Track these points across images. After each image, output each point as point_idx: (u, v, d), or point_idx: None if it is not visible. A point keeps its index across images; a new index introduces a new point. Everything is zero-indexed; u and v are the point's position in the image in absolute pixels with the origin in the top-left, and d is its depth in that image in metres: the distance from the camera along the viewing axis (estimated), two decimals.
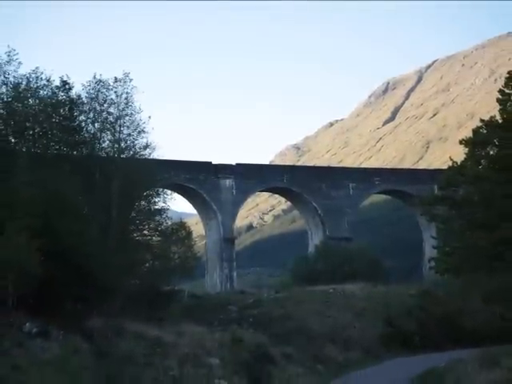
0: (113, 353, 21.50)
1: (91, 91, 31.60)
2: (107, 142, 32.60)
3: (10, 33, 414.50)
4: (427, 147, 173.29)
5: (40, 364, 17.85)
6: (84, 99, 31.41)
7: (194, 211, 68.52)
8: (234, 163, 61.79)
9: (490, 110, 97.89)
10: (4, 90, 27.38)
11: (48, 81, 28.76)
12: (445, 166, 45.25)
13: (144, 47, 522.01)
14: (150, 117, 33.25)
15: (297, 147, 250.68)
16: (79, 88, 31.44)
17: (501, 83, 41.01)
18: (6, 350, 18.23)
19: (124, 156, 32.49)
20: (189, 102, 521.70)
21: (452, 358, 28.08)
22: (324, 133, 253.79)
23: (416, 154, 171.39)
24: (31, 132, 28.26)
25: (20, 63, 27.46)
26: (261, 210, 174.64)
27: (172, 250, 36.16)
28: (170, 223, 36.50)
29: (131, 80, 31.93)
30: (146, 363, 21.41)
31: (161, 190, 36.83)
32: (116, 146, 32.35)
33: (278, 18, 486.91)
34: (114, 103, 31.88)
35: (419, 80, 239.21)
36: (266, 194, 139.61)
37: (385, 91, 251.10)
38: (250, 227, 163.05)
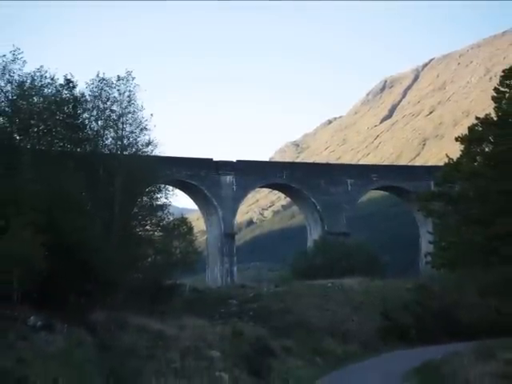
0: (116, 346, 21.68)
1: (94, 89, 31.88)
2: (110, 139, 32.90)
3: (15, 32, 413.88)
4: (424, 144, 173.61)
5: (44, 357, 17.84)
6: (87, 97, 31.65)
7: (195, 207, 68.75)
8: (234, 160, 62.09)
9: (486, 107, 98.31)
10: (9, 88, 27.44)
11: (52, 79, 28.79)
12: (441, 163, 45.47)
13: (146, 46, 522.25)
14: (152, 114, 33.56)
15: (296, 144, 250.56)
16: (83, 86, 31.73)
17: (496, 81, 41.33)
18: (11, 343, 18.24)
19: (127, 153, 32.71)
20: (190, 101, 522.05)
21: (448, 351, 28.30)
22: (323, 130, 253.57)
23: (413, 150, 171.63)
24: (36, 129, 28.36)
25: (25, 62, 27.55)
26: (261, 206, 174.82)
27: (174, 245, 36.44)
28: (171, 219, 36.80)
29: (134, 78, 32.26)
30: (149, 356, 21.49)
31: (163, 186, 36.94)
32: (119, 143, 32.64)
33: (278, 17, 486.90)
34: (117, 101, 32.15)
35: (416, 78, 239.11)
36: (265, 190, 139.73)
37: (382, 89, 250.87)
38: (250, 223, 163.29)
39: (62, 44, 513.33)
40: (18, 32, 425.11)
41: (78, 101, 30.50)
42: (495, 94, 37.51)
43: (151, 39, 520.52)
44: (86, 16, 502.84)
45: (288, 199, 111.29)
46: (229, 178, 60.47)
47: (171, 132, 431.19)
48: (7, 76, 27.30)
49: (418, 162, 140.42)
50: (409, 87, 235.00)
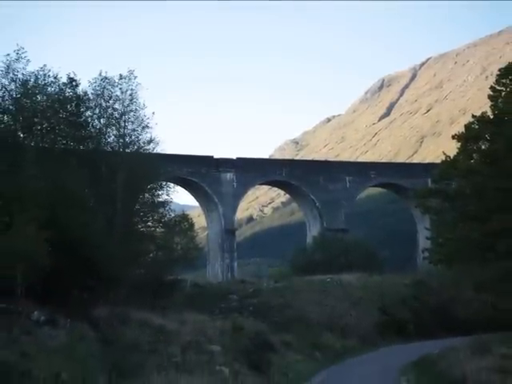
0: (118, 340, 22.02)
1: (97, 88, 32.24)
2: (112, 136, 33.23)
3: (16, 32, 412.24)
4: (421, 142, 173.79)
5: (48, 351, 18.04)
6: (90, 95, 31.92)
7: (196, 204, 68.90)
8: (234, 157, 62.42)
9: (482, 106, 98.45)
10: (13, 86, 27.63)
11: (55, 78, 29.02)
12: (438, 160, 45.49)
13: (146, 46, 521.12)
14: (153, 113, 33.86)
15: (295, 142, 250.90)
16: (85, 85, 32.06)
17: (492, 80, 41.39)
18: (15, 337, 18.43)
19: (129, 150, 33.07)
20: (190, 100, 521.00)
21: (445, 346, 28.86)
22: (322, 128, 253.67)
23: (410, 148, 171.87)
24: (39, 127, 28.59)
25: (28, 61, 27.74)
26: (261, 203, 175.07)
27: (175, 241, 36.87)
28: (173, 215, 37.19)
29: (135, 77, 32.63)
30: (150, 350, 21.81)
31: (164, 183, 37.48)
32: (121, 140, 32.97)
33: (278, 17, 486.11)
34: (119, 99, 32.51)
35: (413, 77, 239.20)
36: (265, 187, 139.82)
37: (380, 88, 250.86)
38: (250, 219, 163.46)
39: (62, 44, 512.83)
40: (18, 32, 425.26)
41: (80, 99, 30.68)
42: (491, 93, 37.48)
43: (151, 39, 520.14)
44: (87, 16, 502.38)
45: (287, 196, 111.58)
46: (229, 175, 60.72)
47: (172, 131, 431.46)
48: (11, 75, 27.52)
49: (415, 160, 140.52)
50: (406, 86, 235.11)
